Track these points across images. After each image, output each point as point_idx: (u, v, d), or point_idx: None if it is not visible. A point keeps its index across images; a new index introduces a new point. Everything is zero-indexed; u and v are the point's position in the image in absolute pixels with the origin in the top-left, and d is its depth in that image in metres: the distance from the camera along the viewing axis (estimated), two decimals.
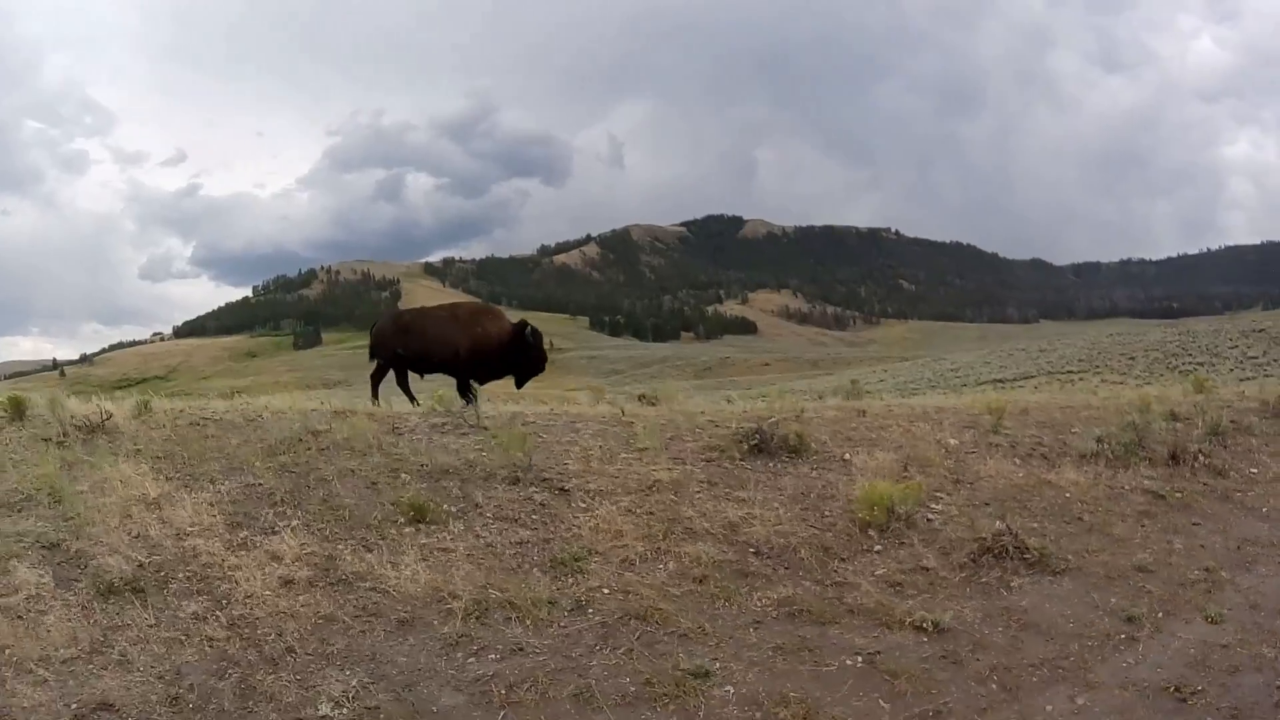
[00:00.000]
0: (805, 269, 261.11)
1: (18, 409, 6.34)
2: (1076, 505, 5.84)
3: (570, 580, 4.28)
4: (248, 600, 4.01)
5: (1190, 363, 30.97)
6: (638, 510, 5.06)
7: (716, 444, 6.33)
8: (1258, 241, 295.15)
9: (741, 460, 6.04)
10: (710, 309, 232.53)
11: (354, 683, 3.51)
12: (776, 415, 7.11)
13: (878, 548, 4.88)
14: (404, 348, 9.15)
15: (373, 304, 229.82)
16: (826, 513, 5.26)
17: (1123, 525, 5.56)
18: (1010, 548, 4.91)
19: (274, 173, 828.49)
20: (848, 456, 6.33)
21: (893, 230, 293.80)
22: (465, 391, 8.67)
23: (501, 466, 5.56)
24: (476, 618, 3.92)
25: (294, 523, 4.73)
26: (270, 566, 4.30)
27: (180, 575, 4.18)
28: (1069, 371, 40.33)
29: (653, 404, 8.59)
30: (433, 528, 4.76)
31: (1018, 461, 6.57)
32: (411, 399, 8.80)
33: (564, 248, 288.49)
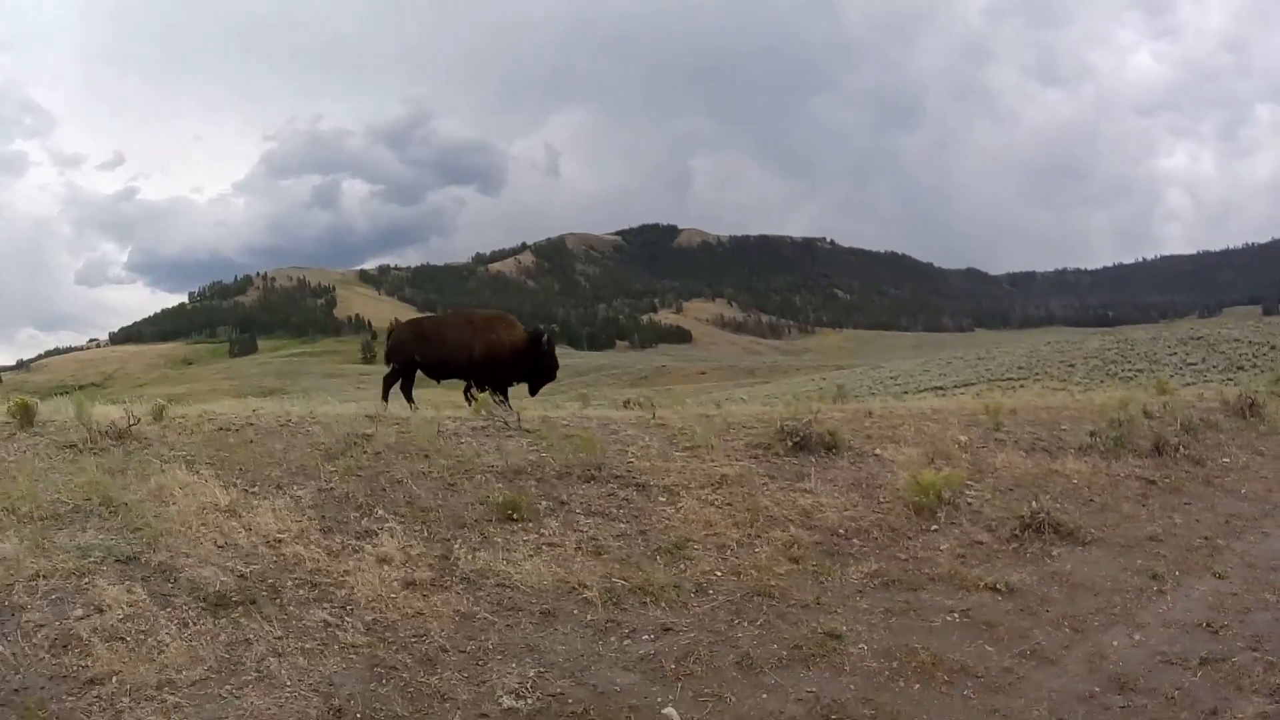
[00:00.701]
0: (740, 278, 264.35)
1: (26, 414, 6.05)
2: (1084, 490, 6.63)
3: (681, 566, 4.73)
4: (375, 604, 4.04)
5: (1130, 369, 32.60)
6: (717, 502, 5.59)
7: (759, 442, 6.89)
8: (1193, 252, 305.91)
9: (787, 456, 6.62)
10: (645, 318, 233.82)
11: (527, 674, 3.64)
12: (801, 416, 7.76)
13: (934, 527, 5.53)
14: (421, 354, 9.37)
15: (308, 311, 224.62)
16: (881, 499, 5.90)
17: (1128, 505, 6.37)
18: (1045, 524, 5.63)
19: (211, 177, 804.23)
20: (878, 451, 6.98)
21: (828, 240, 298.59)
22: (475, 392, 8.82)
23: (572, 465, 5.93)
24: (614, 604, 4.24)
25: (388, 525, 4.81)
26: (384, 569, 4.36)
27: (289, 584, 4.13)
28: (1009, 379, 41.88)
29: (642, 407, 9.13)
30: (529, 525, 4.98)
31: (1024, 454, 7.35)
32: (410, 403, 8.92)
33: (499, 256, 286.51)
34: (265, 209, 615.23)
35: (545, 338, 9.70)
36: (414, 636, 3.84)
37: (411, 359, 9.39)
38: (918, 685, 3.69)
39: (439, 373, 9.59)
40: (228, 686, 3.41)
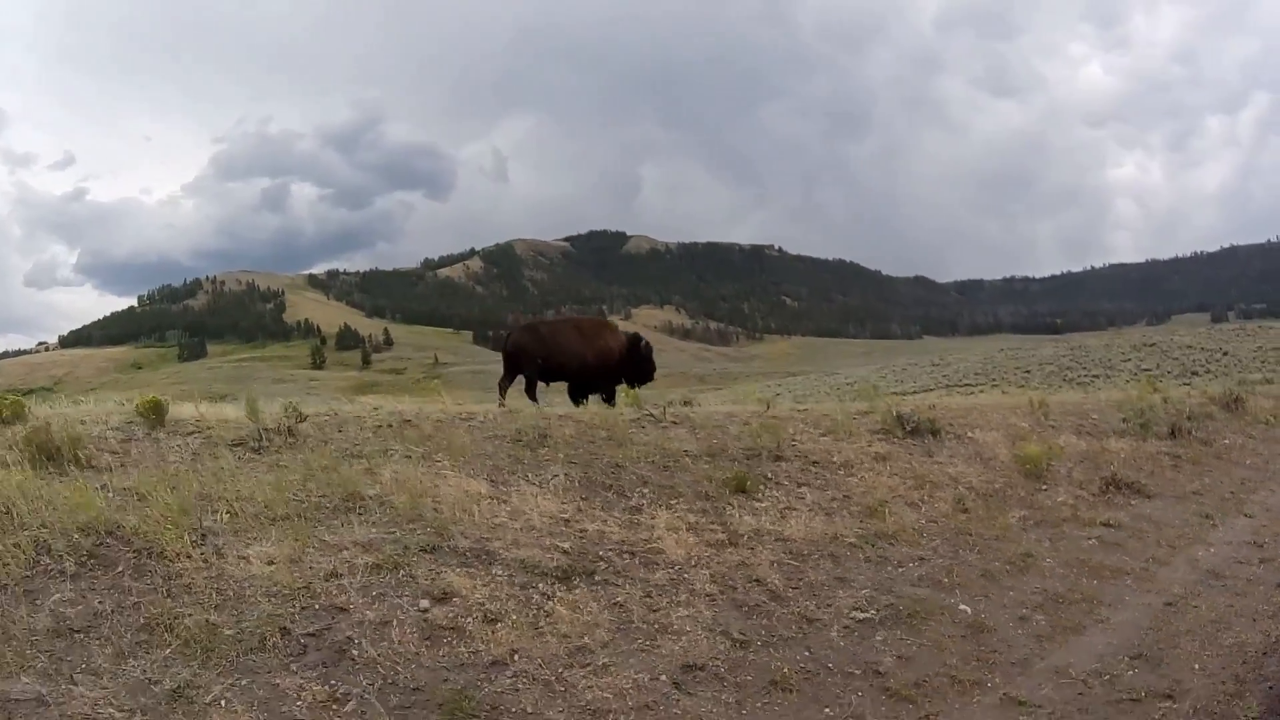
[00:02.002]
0: (688, 285, 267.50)
1: (158, 413, 6.18)
2: (1132, 461, 8.64)
3: (892, 518, 6.16)
4: (697, 562, 4.83)
5: (1085, 375, 34.36)
6: (885, 472, 7.31)
7: (879, 428, 8.72)
8: (1142, 260, 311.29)
9: (907, 438, 8.44)
10: None
11: (860, 595, 4.79)
12: (903, 407, 9.66)
13: (1045, 486, 7.45)
14: (543, 359, 9.86)
15: (257, 316, 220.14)
16: (996, 468, 7.79)
17: (1168, 472, 8.42)
18: (1120, 483, 7.62)
19: (161, 179, 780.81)
20: (970, 434, 8.85)
21: (776, 248, 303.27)
22: (578, 400, 9.73)
23: (753, 448, 7.28)
24: (871, 546, 5.57)
25: (646, 501, 5.57)
26: (679, 535, 5.12)
27: (610, 554, 4.74)
28: (967, 384, 44.09)
29: (756, 402, 10.80)
30: (757, 495, 6.02)
31: (1076, 436, 9.34)
32: (503, 400, 9.42)
33: (447, 261, 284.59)
34: (214, 211, 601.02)
35: (643, 342, 10.62)
36: (750, 581, 4.75)
37: (535, 362, 9.88)
38: (1095, 581, 5.54)
39: (552, 376, 10.10)
40: (637, 640, 3.97)
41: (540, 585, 4.28)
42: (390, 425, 6.44)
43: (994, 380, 42.54)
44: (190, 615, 3.71)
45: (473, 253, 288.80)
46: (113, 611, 3.71)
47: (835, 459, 7.32)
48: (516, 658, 3.72)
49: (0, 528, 4.06)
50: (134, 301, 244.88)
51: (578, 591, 4.27)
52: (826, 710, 3.70)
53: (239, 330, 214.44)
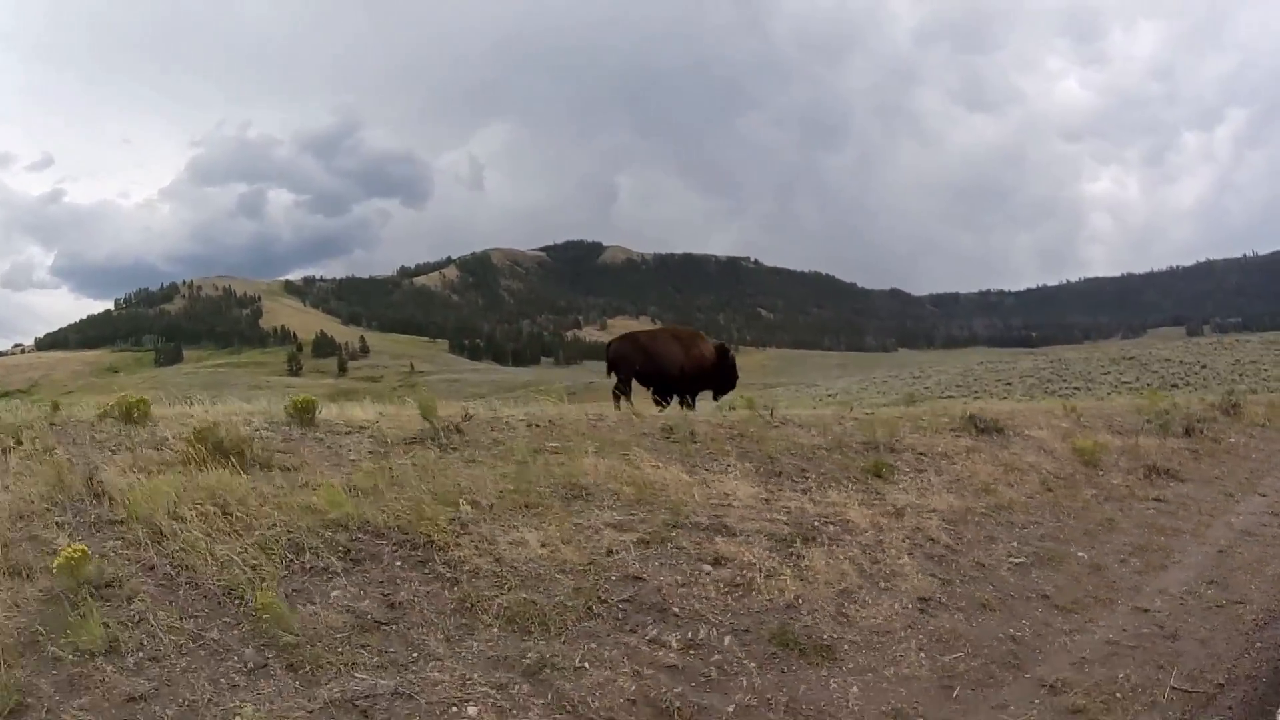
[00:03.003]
0: (664, 296, 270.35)
1: (307, 412, 6.70)
2: (1161, 454, 10.44)
3: (999, 496, 7.74)
4: (885, 529, 6.11)
5: (1066, 387, 36.35)
6: (979, 461, 8.93)
7: (953, 427, 10.46)
8: (1117, 274, 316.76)
9: (980, 435, 10.20)
10: (570, 334, 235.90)
11: (1011, 546, 6.30)
12: (971, 410, 11.43)
13: (1101, 473, 9.21)
14: (642, 365, 11.22)
15: (234, 321, 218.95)
16: (1060, 458, 9.53)
17: (1191, 462, 10.24)
18: (1159, 470, 9.43)
19: (138, 182, 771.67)
20: (1027, 432, 10.62)
21: (752, 259, 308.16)
22: (665, 401, 10.98)
23: (874, 442, 8.68)
24: (998, 515, 7.13)
25: (815, 485, 6.87)
26: (866, 510, 6.40)
27: (815, 525, 5.87)
28: (949, 396, 46.18)
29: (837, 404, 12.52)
30: (891, 479, 7.54)
31: (1111, 435, 11.14)
32: (618, 404, 10.65)
33: (424, 269, 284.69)
34: (190, 216, 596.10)
35: (731, 352, 12.14)
36: (928, 540, 6.11)
37: (634, 368, 11.24)
38: (1163, 537, 7.29)
39: (651, 382, 11.38)
40: (878, 583, 5.26)
41: (787, 548, 5.31)
42: (539, 425, 7.36)
43: (975, 392, 44.30)
44: (499, 596, 4.23)
45: (449, 261, 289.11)
46: (412, 601, 4.12)
47: (936, 450, 8.97)
48: (801, 601, 4.75)
49: (226, 528, 4.36)
50: (110, 305, 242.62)
51: (815, 551, 5.40)
52: (1023, 621, 5.32)
53: (215, 336, 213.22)
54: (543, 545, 4.75)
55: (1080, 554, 6.59)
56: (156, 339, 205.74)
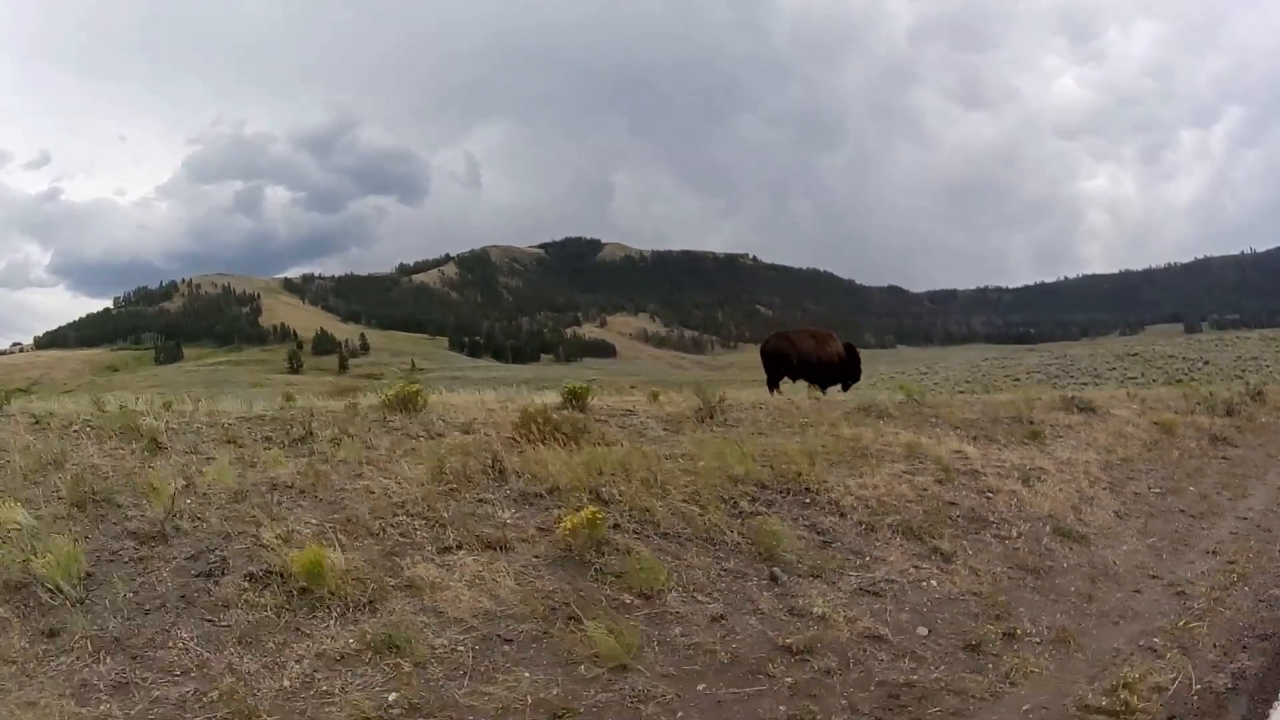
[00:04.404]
0: (663, 293, 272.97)
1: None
2: (1214, 427, 13.51)
3: (1119, 454, 11.06)
4: (1072, 470, 10.48)
5: (1075, 383, 39.31)
6: (1095, 430, 11.96)
7: (1053, 406, 13.50)
8: (1114, 271, 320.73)
9: (1079, 413, 13.23)
10: (569, 331, 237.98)
11: (1150, 481, 9.68)
12: (1048, 396, 14.49)
13: (1178, 438, 12.25)
14: (796, 359, 13.96)
15: (233, 319, 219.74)
16: (1145, 429, 12.54)
17: (1238, 434, 13.31)
18: (1219, 438, 12.50)
19: (134, 179, 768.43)
20: (1112, 410, 13.71)
21: (750, 256, 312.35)
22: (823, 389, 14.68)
23: (1018, 416, 12.03)
24: (1126, 466, 10.18)
25: (1001, 445, 10.27)
26: (1040, 460, 9.16)
27: (1037, 470, 8.89)
28: (959, 392, 49.01)
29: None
30: (1045, 441, 10.49)
31: (1173, 413, 14.21)
32: (773, 393, 13.74)
33: (422, 267, 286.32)
34: (187, 213, 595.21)
35: (855, 349, 15.38)
36: (1099, 476, 9.77)
37: (789, 363, 14.16)
38: (1236, 480, 10.29)
39: (795, 374, 14.08)
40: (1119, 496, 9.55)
41: (1023, 482, 8.11)
42: (759, 407, 10.35)
43: (985, 388, 47.23)
44: (885, 518, 6.49)
45: (448, 258, 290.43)
46: (832, 527, 6.22)
47: (1061, 423, 12.00)
48: (1052, 512, 7.45)
49: (654, 488, 6.27)
50: (107, 303, 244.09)
51: (1038, 484, 8.13)
52: (1176, 523, 8.27)
53: (215, 334, 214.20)
54: (876, 487, 7.35)
55: (1190, 488, 9.65)
56: (156, 337, 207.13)
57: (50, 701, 3.93)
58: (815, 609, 4.94)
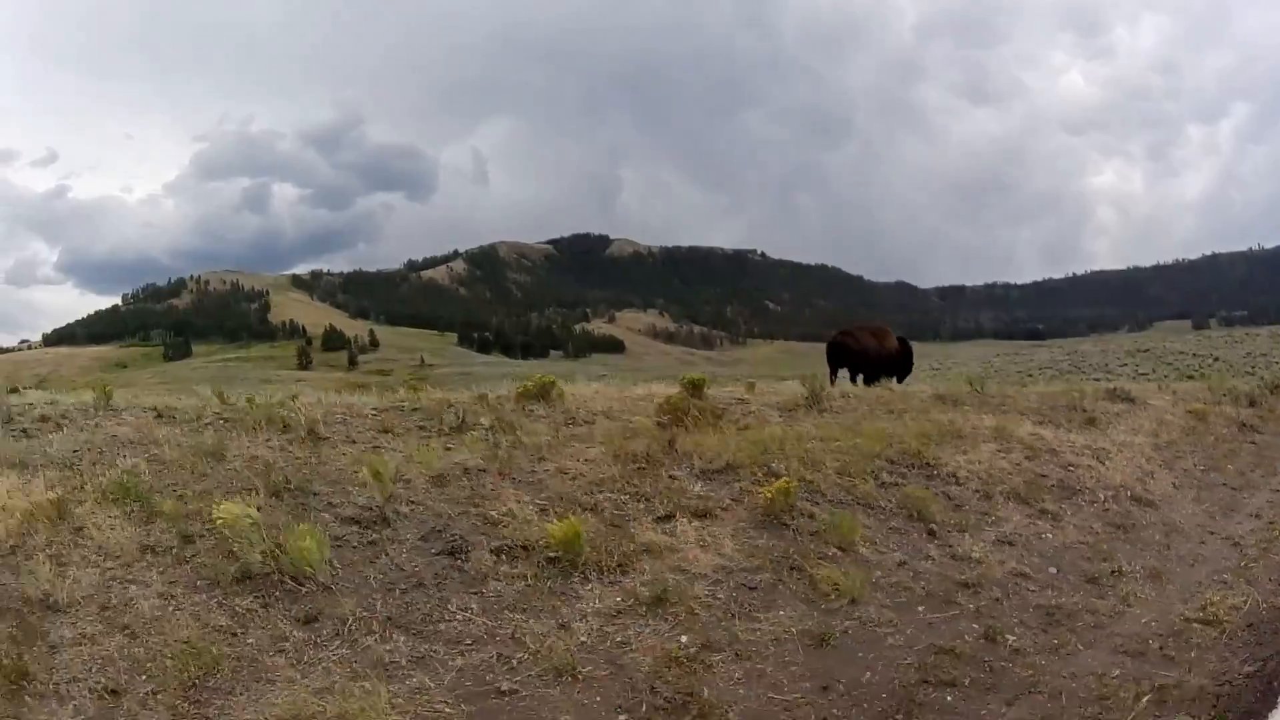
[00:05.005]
0: (671, 289, 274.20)
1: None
2: (1241, 416, 15.01)
3: (1164, 437, 12.61)
4: (1129, 450, 12.09)
5: (1086, 379, 40.78)
6: (1139, 417, 13.53)
7: (1098, 396, 14.98)
8: (1122, 267, 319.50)
9: (1121, 403, 14.72)
10: (578, 327, 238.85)
11: (1196, 459, 11.61)
12: (1091, 389, 16.01)
13: (1210, 425, 13.77)
14: (857, 353, 15.42)
15: (242, 316, 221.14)
16: (1180, 416, 14.04)
17: (1262, 422, 14.81)
18: (1245, 425, 14.01)
19: (141, 177, 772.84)
20: (1150, 401, 15.20)
21: (758, 252, 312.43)
22: (872, 383, 16.37)
23: (1071, 404, 13.66)
24: (1171, 447, 12.01)
25: (1063, 427, 12.68)
26: (1103, 440, 12.23)
27: (1110, 445, 12.14)
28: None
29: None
30: (1101, 426, 12.29)
31: (1202, 404, 15.71)
32: (833, 384, 15.83)
33: (431, 263, 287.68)
34: (194, 211, 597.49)
35: (909, 345, 17.15)
36: (1153, 456, 11.54)
37: (852, 357, 15.62)
38: (1267, 460, 11.82)
39: (857, 368, 15.43)
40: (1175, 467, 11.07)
41: (1096, 459, 9.44)
42: (847, 397, 12.11)
43: (998, 383, 47.91)
44: (997, 487, 8.10)
45: (456, 255, 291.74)
46: (958, 494, 7.63)
47: (1110, 411, 13.53)
48: (1123, 483, 8.69)
49: (810, 465, 7.82)
50: (115, 300, 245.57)
51: (1107, 460, 9.81)
52: (1222, 493, 9.84)
53: (224, 330, 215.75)
54: (980, 462, 8.96)
55: (1229, 466, 11.18)
56: (165, 334, 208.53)
57: (344, 684, 4.18)
58: (973, 554, 6.46)
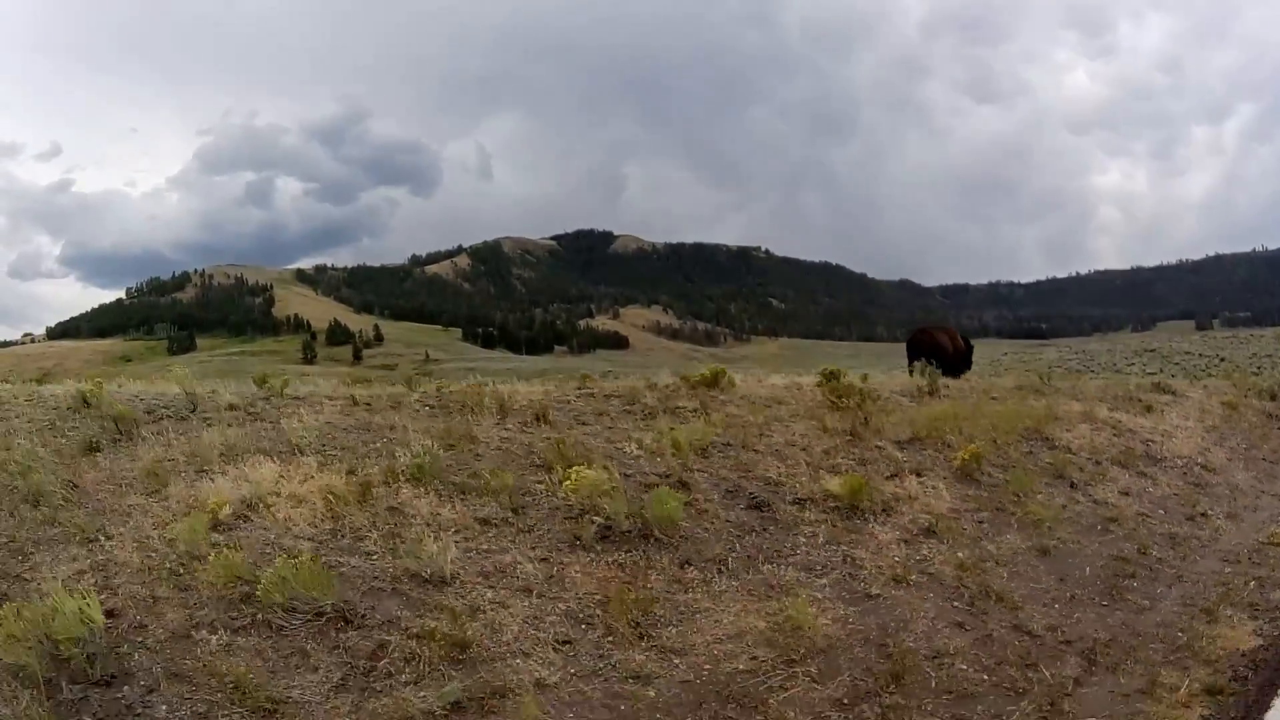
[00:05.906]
0: (675, 285, 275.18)
1: (836, 379, 15.06)
2: (1267, 407, 17.39)
3: (1208, 420, 14.91)
4: (1183, 433, 14.41)
5: (1095, 378, 43.26)
6: (1184, 405, 15.90)
7: (1144, 389, 17.34)
8: (1126, 267, 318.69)
9: (1164, 394, 17.08)
10: (582, 323, 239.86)
11: (1240, 440, 13.87)
12: (1134, 383, 18.40)
13: (1242, 414, 16.13)
14: (930, 348, 18.29)
15: (246, 310, 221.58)
16: (1216, 406, 16.40)
17: None
18: (1273, 415, 16.39)
19: (145, 171, 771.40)
20: (1188, 393, 17.57)
21: (762, 249, 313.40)
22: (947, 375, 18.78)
23: (1126, 394, 16.10)
24: (1218, 430, 14.41)
25: (1123, 411, 14.94)
26: (1158, 422, 14.58)
27: (1164, 430, 14.47)
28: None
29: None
30: (1155, 411, 14.94)
31: (1234, 396, 18.09)
32: (911, 375, 18.67)
33: (435, 258, 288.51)
34: (198, 204, 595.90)
35: (970, 342, 19.80)
36: (1206, 437, 13.93)
37: (929, 351, 18.56)
38: None
39: (932, 361, 19.02)
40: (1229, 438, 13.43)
41: (1162, 437, 12.26)
42: (968, 389, 14.75)
43: (1042, 377, 50.91)
44: (1097, 457, 11.73)
45: (460, 250, 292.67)
46: (1068, 461, 10.66)
47: (1160, 400, 15.92)
48: (1185, 455, 11.25)
49: (956, 439, 11.80)
50: (119, 294, 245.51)
51: (1171, 439, 12.68)
52: (1263, 468, 12.23)
53: (228, 324, 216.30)
54: (1081, 437, 11.39)
55: (1265, 445, 13.59)
56: (169, 328, 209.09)
57: (759, 604, 5.41)
58: (1109, 500, 8.83)
